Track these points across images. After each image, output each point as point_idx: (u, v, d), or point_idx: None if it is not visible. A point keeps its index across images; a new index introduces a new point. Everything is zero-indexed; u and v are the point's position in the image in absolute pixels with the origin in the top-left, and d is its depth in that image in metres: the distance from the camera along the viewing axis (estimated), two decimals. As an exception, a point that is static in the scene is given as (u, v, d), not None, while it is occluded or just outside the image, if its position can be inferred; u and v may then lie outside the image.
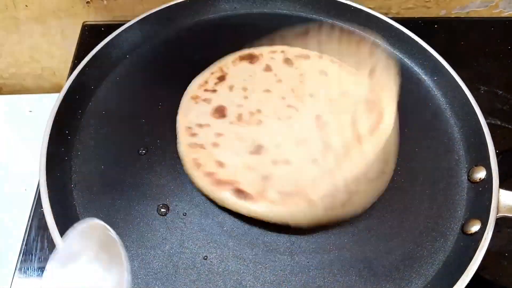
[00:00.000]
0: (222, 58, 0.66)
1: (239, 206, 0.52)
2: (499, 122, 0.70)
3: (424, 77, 0.67)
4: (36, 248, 0.57)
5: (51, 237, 0.48)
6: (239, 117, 0.58)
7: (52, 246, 0.49)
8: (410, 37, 0.68)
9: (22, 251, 0.57)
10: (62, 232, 0.49)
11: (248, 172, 0.53)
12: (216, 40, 0.71)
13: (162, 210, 0.53)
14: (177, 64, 0.68)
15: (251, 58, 0.65)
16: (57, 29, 0.89)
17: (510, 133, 0.69)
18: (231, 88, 0.62)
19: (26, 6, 0.84)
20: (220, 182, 0.52)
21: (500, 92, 0.74)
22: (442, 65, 0.65)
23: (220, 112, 0.59)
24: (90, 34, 0.79)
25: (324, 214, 0.51)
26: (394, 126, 0.59)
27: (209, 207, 0.54)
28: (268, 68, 0.64)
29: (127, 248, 0.50)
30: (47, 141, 0.55)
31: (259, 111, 0.59)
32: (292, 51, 0.66)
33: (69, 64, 0.75)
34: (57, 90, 0.60)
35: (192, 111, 0.59)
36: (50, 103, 0.59)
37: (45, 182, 0.52)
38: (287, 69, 0.64)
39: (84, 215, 0.53)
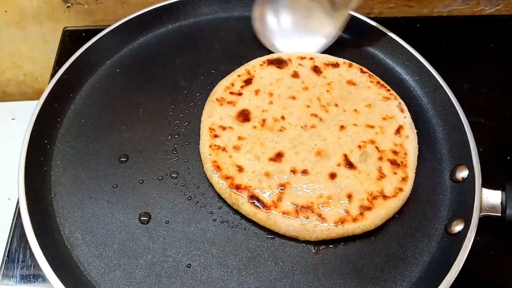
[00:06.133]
0: (250, 61, 0.65)
1: (253, 213, 0.52)
2: (482, 120, 0.70)
3: (406, 77, 0.67)
4: (18, 258, 0.57)
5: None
6: (263, 123, 0.58)
7: (34, 256, 0.49)
8: (392, 37, 0.68)
9: (4, 261, 0.56)
10: (41, 243, 0.48)
11: (266, 179, 0.54)
12: (197, 44, 0.70)
13: (144, 218, 0.53)
14: (158, 69, 0.67)
15: (280, 63, 0.65)
16: (38, 34, 0.88)
17: (494, 131, 0.69)
18: (257, 92, 0.62)
19: (6, 11, 0.83)
20: (237, 187, 0.53)
21: (484, 90, 0.74)
22: (423, 64, 0.65)
23: (244, 116, 0.59)
24: (70, 40, 0.78)
25: (335, 229, 0.51)
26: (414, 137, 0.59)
27: (191, 214, 0.53)
28: (295, 75, 0.64)
29: (108, 258, 0.50)
30: (25, 152, 0.54)
31: (283, 117, 0.59)
32: (321, 58, 0.66)
33: (51, 70, 0.74)
34: (40, 96, 0.60)
35: (216, 113, 0.59)
36: (32, 110, 0.58)
37: (24, 193, 0.52)
38: (314, 77, 0.64)
39: (64, 225, 0.52)
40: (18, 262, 0.56)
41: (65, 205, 0.54)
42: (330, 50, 0.68)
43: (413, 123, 0.61)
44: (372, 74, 0.65)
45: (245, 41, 0.70)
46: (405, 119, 0.61)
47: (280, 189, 0.53)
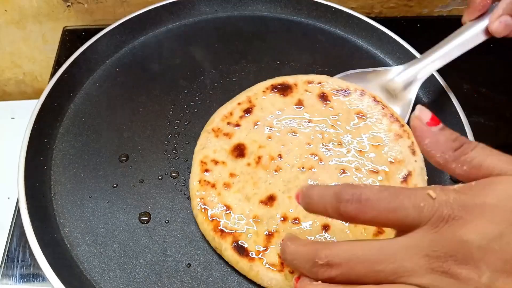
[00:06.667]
0: (253, 86, 0.61)
1: (235, 261, 0.48)
2: (482, 120, 0.70)
3: (406, 77, 0.67)
4: (18, 257, 0.57)
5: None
6: (258, 160, 0.54)
7: (33, 255, 0.49)
8: (392, 37, 0.68)
9: (4, 260, 0.56)
10: (41, 242, 0.48)
11: (253, 224, 0.50)
12: (197, 43, 0.70)
13: (144, 218, 0.53)
14: (158, 68, 0.67)
15: (284, 90, 0.60)
16: (38, 34, 0.88)
17: (494, 130, 0.69)
18: (255, 123, 0.57)
19: (6, 10, 0.83)
20: (222, 232, 0.49)
21: (484, 89, 0.74)
22: (424, 64, 0.65)
23: (239, 151, 0.55)
24: (70, 39, 0.78)
25: None
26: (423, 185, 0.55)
27: (191, 214, 0.53)
28: (299, 103, 0.59)
29: (108, 257, 0.50)
30: (25, 151, 0.54)
31: (280, 156, 0.55)
32: (330, 83, 0.61)
33: (51, 69, 0.74)
34: (39, 95, 0.60)
35: (211, 145, 0.56)
36: (32, 110, 0.58)
37: (24, 192, 0.52)
38: (320, 107, 0.59)
39: (64, 224, 0.52)
40: (17, 261, 0.56)
41: (65, 204, 0.54)
42: (329, 49, 0.69)
43: (424, 168, 0.55)
44: (386, 105, 0.60)
45: (245, 40, 0.70)
46: (416, 163, 0.55)
47: (267, 238, 0.49)
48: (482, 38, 0.57)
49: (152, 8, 0.70)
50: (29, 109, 0.59)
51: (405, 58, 0.67)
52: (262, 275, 0.48)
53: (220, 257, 0.50)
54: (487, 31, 0.56)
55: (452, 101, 0.61)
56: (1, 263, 0.56)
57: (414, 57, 0.66)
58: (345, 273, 0.34)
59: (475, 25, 0.58)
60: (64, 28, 0.80)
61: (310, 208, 0.38)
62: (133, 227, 0.52)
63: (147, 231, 0.52)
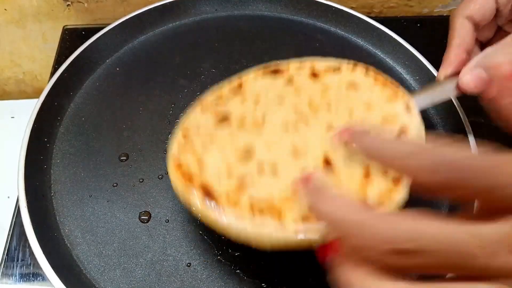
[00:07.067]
0: (246, 72, 0.58)
1: (204, 212, 0.44)
2: (482, 120, 0.70)
3: (406, 76, 0.67)
4: (18, 256, 0.57)
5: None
6: (241, 123, 0.51)
7: (33, 255, 0.49)
8: (392, 37, 0.68)
9: (4, 259, 0.56)
10: (41, 241, 0.48)
11: (226, 178, 0.46)
12: (197, 43, 0.70)
13: (144, 217, 0.53)
14: (158, 67, 0.67)
15: (275, 73, 0.57)
16: (37, 33, 0.88)
17: (494, 131, 0.69)
18: (243, 101, 0.54)
19: (5, 9, 0.83)
20: (193, 185, 0.45)
21: (483, 89, 0.74)
22: (424, 64, 0.65)
23: (222, 117, 0.52)
24: (70, 38, 0.78)
25: (294, 239, 0.42)
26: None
27: (192, 213, 0.53)
28: (289, 82, 0.56)
29: (108, 256, 0.50)
30: (25, 150, 0.54)
31: (263, 119, 0.52)
32: (322, 63, 0.58)
33: (50, 68, 0.74)
34: (39, 95, 0.60)
35: (194, 120, 0.52)
36: (32, 109, 0.58)
37: (24, 191, 0.52)
38: (310, 83, 0.55)
39: (64, 224, 0.52)
40: (17, 260, 0.56)
41: (65, 203, 0.54)
42: (329, 49, 0.69)
43: (423, 127, 0.51)
44: (379, 73, 0.56)
45: (245, 40, 0.70)
46: (412, 118, 0.51)
47: (241, 188, 0.45)
48: (451, 94, 0.50)
49: (152, 8, 0.70)
50: (29, 108, 0.59)
51: (404, 57, 0.67)
52: (231, 226, 0.43)
53: (220, 256, 0.50)
54: (458, 86, 0.48)
55: (452, 101, 0.61)
56: (1, 262, 0.56)
57: (413, 56, 0.66)
58: (424, 264, 0.26)
59: (447, 81, 0.50)
60: (64, 27, 0.80)
61: (368, 153, 0.32)
62: (133, 226, 0.52)
63: (147, 230, 0.52)
